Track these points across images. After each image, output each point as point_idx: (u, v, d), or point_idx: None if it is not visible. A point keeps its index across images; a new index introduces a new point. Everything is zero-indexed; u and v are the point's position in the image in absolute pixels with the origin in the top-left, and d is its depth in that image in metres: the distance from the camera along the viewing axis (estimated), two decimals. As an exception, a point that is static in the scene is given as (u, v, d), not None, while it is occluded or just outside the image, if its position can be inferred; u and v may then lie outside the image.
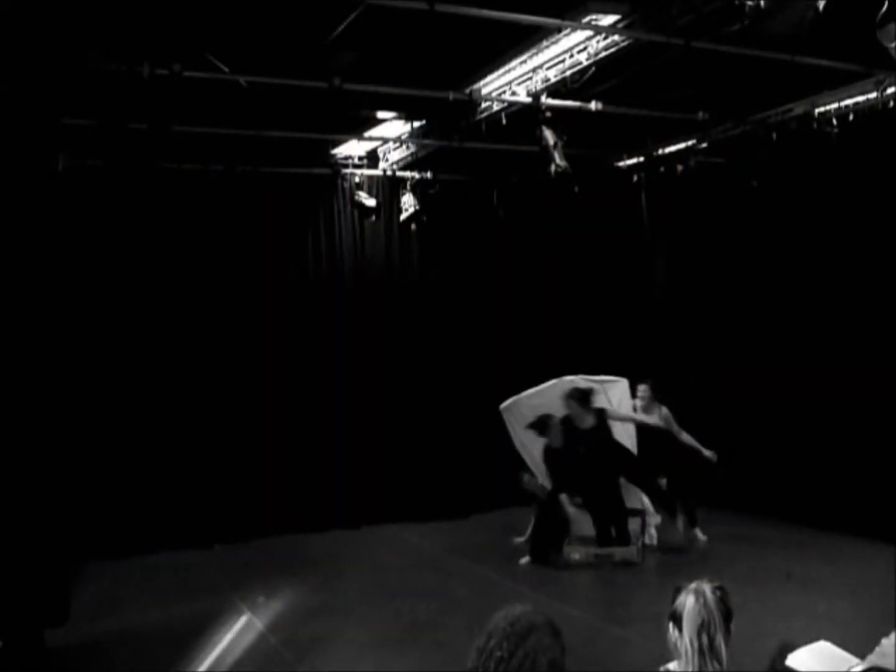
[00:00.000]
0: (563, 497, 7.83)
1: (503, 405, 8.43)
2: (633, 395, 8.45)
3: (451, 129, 8.27)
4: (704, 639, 2.47)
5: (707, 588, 2.55)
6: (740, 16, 5.08)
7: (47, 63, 5.79)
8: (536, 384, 10.44)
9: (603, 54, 6.23)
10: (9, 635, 5.41)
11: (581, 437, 7.89)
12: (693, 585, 2.56)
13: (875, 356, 7.87)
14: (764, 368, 9.04)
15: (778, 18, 4.98)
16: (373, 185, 9.83)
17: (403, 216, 9.80)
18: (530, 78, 6.95)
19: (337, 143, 9.24)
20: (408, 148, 9.38)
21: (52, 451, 6.72)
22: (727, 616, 2.53)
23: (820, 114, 7.72)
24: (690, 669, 2.48)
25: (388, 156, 9.75)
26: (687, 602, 2.52)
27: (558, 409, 7.99)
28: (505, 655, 1.80)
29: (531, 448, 8.33)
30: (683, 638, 2.50)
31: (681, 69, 6.59)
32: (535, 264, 10.50)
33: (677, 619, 2.53)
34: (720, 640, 2.49)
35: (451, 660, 5.48)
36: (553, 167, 7.16)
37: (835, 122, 7.64)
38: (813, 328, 8.50)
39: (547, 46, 6.51)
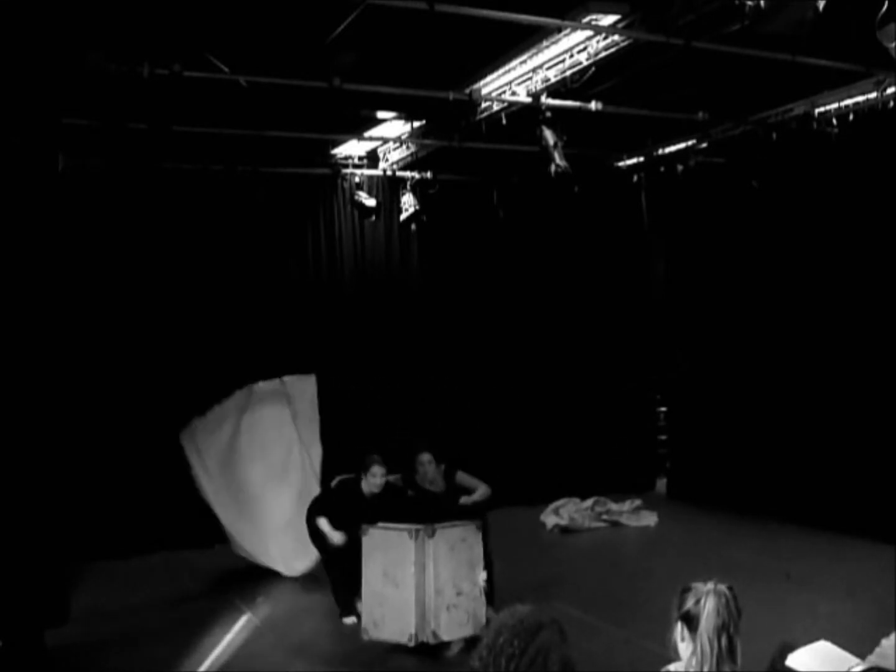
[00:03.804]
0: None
1: (183, 434, 7.51)
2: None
3: (451, 129, 8.26)
4: (724, 639, 2.46)
5: (725, 588, 2.54)
6: (740, 16, 5.08)
7: (47, 63, 5.79)
8: (535, 384, 10.51)
9: (603, 54, 6.22)
10: (9, 635, 5.41)
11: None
12: (709, 586, 2.53)
13: (875, 356, 7.88)
14: (764, 368, 9.05)
15: (778, 18, 4.98)
16: (373, 185, 9.83)
17: (403, 216, 9.80)
18: (530, 78, 6.94)
19: (337, 143, 9.24)
20: (408, 148, 9.38)
21: (52, 452, 6.73)
22: (739, 616, 2.52)
23: (820, 114, 7.71)
24: (706, 670, 2.46)
25: (388, 156, 9.74)
26: (707, 603, 2.48)
27: (245, 420, 7.52)
28: (516, 652, 1.79)
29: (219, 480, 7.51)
30: (700, 639, 2.46)
31: (681, 69, 6.58)
32: (535, 264, 10.50)
33: (691, 620, 2.50)
34: (737, 640, 2.49)
35: (450, 658, 5.49)
36: (553, 167, 7.16)
37: (835, 122, 7.64)
38: (813, 328, 8.51)
39: (547, 46, 6.50)
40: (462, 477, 6.56)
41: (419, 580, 5.49)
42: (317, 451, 7.68)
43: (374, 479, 6.30)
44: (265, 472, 7.62)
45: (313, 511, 6.47)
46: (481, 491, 6.46)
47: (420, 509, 6.05)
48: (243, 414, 7.69)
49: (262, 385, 7.77)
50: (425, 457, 6.48)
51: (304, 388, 7.86)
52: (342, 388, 9.51)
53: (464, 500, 6.33)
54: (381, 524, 5.81)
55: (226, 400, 7.71)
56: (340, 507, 6.33)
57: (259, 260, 9.23)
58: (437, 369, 9.91)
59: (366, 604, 5.72)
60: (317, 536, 6.44)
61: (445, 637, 5.51)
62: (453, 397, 9.90)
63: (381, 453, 6.60)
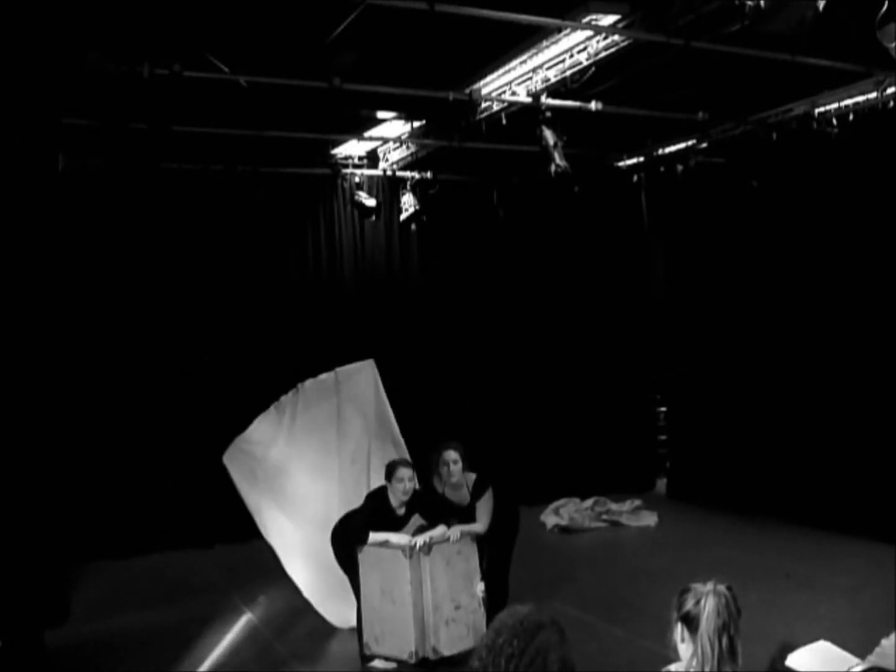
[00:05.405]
0: None
1: (226, 455, 6.39)
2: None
3: (451, 129, 8.26)
4: (724, 640, 2.46)
5: (724, 588, 2.54)
6: (740, 16, 5.08)
7: (47, 63, 5.79)
8: (535, 384, 10.49)
9: (603, 54, 6.21)
10: (9, 635, 5.41)
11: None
12: (709, 586, 2.53)
13: (875, 356, 7.88)
14: (764, 368, 9.05)
15: (778, 18, 4.98)
16: (373, 185, 9.83)
17: (403, 216, 9.80)
18: (530, 78, 6.94)
19: (337, 143, 9.24)
20: (408, 148, 9.38)
21: (52, 452, 6.74)
22: (739, 616, 2.52)
23: (820, 114, 7.71)
24: (707, 671, 2.46)
25: (388, 156, 9.74)
26: (707, 603, 2.49)
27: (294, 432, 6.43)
28: (516, 652, 1.80)
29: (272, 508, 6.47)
30: (700, 639, 2.46)
31: (681, 69, 6.58)
32: (535, 264, 10.50)
33: (691, 620, 2.50)
34: (738, 640, 2.49)
35: (449, 658, 5.49)
36: (553, 167, 7.16)
37: (835, 122, 7.64)
38: (813, 328, 8.51)
39: (547, 46, 6.50)
40: (484, 500, 5.80)
41: (416, 597, 5.39)
42: (390, 447, 6.61)
43: (399, 486, 5.60)
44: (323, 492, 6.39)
45: (340, 532, 5.77)
46: (474, 527, 5.72)
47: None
48: (293, 424, 6.56)
49: (308, 384, 6.65)
50: (451, 455, 5.77)
51: (360, 376, 6.78)
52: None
53: (452, 530, 5.67)
54: (373, 542, 5.55)
55: (272, 409, 6.58)
56: (369, 524, 5.59)
57: (259, 260, 9.23)
58: (437, 369, 9.90)
59: (365, 620, 5.59)
60: (343, 558, 5.74)
61: (446, 652, 5.42)
62: (453, 397, 9.88)
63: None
